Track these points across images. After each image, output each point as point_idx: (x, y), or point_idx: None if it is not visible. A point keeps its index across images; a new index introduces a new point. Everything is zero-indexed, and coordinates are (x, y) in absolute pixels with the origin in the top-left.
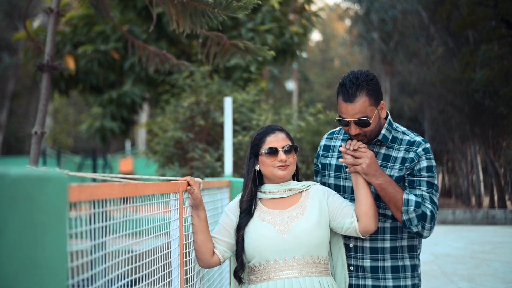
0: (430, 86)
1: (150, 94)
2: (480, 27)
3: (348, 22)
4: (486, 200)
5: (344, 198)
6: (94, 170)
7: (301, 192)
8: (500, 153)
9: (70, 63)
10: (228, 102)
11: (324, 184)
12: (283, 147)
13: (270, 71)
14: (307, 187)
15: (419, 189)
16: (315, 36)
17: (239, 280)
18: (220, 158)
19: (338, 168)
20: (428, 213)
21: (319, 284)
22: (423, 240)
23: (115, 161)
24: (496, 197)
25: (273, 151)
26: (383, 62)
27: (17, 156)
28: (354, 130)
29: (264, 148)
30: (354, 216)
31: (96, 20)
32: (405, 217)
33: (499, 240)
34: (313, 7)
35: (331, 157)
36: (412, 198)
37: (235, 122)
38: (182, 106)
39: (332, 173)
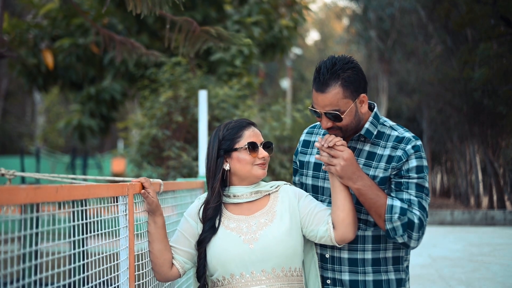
0: (428, 85)
1: (131, 90)
2: (479, 26)
3: (345, 21)
4: (485, 201)
5: (322, 200)
6: (73, 170)
7: (269, 194)
8: (499, 153)
9: (48, 58)
10: (203, 96)
11: (302, 184)
12: (261, 143)
13: (255, 65)
14: (276, 187)
15: (407, 192)
16: (313, 35)
17: None
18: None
19: (317, 166)
20: (416, 220)
21: None
22: (420, 242)
23: (106, 161)
24: (495, 198)
25: (254, 147)
26: (381, 61)
27: (10, 156)
28: (325, 123)
29: (243, 144)
30: (329, 223)
31: (75, 13)
32: (388, 226)
33: (498, 242)
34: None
35: (310, 154)
36: (397, 204)
37: (216, 119)
38: (158, 101)
39: (310, 172)
